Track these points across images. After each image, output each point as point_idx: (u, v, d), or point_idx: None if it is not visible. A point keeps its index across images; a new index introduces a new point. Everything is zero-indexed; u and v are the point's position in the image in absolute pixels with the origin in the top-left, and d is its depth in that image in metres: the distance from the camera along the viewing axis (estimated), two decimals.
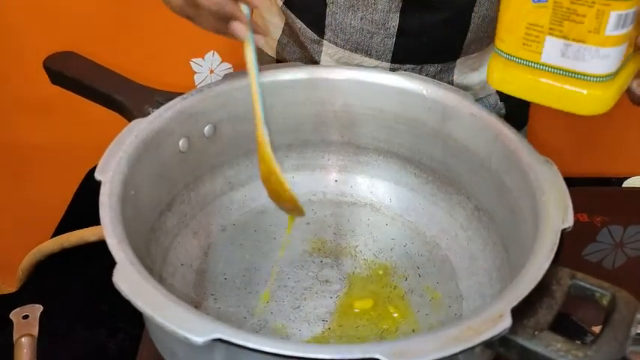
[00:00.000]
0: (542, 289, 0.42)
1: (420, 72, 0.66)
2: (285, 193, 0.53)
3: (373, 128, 0.64)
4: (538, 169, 0.51)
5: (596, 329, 0.54)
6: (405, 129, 0.62)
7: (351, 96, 0.63)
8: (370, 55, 0.66)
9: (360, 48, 0.65)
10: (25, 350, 0.56)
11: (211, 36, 0.99)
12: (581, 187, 0.83)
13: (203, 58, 1.00)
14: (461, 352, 0.37)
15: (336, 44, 0.66)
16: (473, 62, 0.69)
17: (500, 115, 0.73)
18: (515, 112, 0.75)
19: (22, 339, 0.56)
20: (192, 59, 1.00)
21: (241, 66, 1.01)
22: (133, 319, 0.46)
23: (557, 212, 0.47)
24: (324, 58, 0.68)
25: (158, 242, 0.55)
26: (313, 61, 0.69)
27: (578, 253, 0.76)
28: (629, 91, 0.47)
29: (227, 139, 0.61)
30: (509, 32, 0.46)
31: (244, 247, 0.61)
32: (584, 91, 0.45)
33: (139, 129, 0.53)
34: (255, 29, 0.52)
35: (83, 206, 0.78)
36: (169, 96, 0.58)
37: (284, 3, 0.69)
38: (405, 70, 0.65)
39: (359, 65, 0.66)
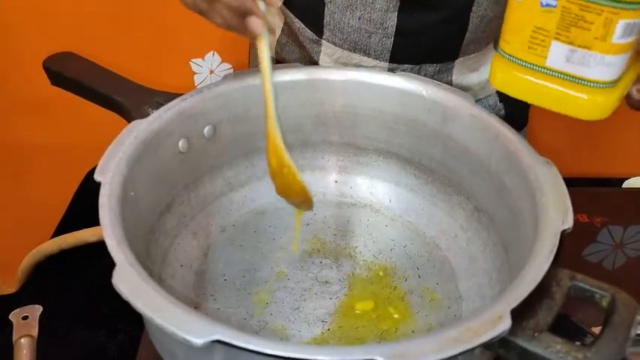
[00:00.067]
0: (541, 291, 0.42)
1: (418, 72, 0.66)
2: (297, 186, 0.53)
3: (373, 129, 0.64)
4: (538, 170, 0.51)
5: (596, 330, 0.54)
6: (405, 130, 0.62)
7: (350, 97, 0.63)
8: (368, 55, 0.65)
9: (359, 48, 0.65)
10: (24, 351, 0.56)
11: (211, 36, 1.00)
12: (581, 188, 0.83)
13: (203, 59, 1.00)
14: (460, 354, 0.37)
15: (335, 44, 0.66)
16: (472, 63, 0.69)
17: (499, 116, 0.73)
18: (515, 113, 0.75)
19: (22, 340, 0.56)
20: (192, 60, 1.00)
21: (241, 66, 1.01)
22: (132, 320, 0.46)
23: (557, 213, 0.47)
24: (322, 58, 0.68)
25: (158, 243, 0.55)
26: (312, 61, 0.69)
27: (579, 254, 0.76)
28: (628, 97, 0.47)
29: (227, 140, 0.61)
30: (514, 34, 0.46)
31: (244, 247, 0.61)
32: (587, 97, 0.45)
33: (138, 130, 0.53)
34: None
35: (83, 207, 0.77)
36: (169, 97, 0.58)
37: (283, 3, 0.70)
38: (404, 70, 0.65)
39: (358, 65, 0.66)
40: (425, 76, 0.66)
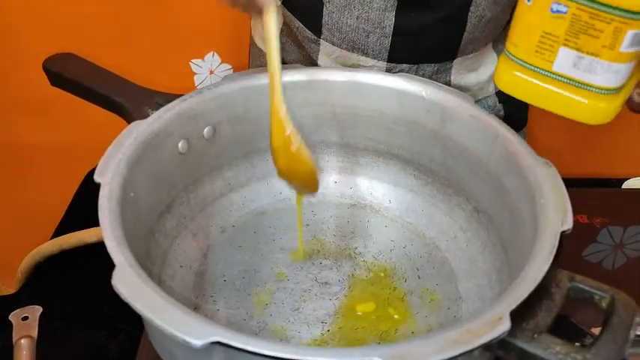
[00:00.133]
0: (541, 292, 0.42)
1: (416, 72, 0.66)
2: (304, 166, 0.50)
3: (373, 130, 0.64)
4: (537, 171, 0.51)
5: (596, 331, 0.54)
6: (405, 131, 0.62)
7: (350, 98, 0.63)
8: (367, 55, 0.66)
9: (357, 47, 0.65)
10: (24, 352, 0.56)
11: (211, 37, 1.00)
12: (581, 189, 0.83)
13: (203, 59, 1.00)
14: (460, 355, 0.37)
15: (333, 43, 0.66)
16: (470, 63, 0.69)
17: (499, 117, 0.73)
18: (514, 113, 0.75)
19: (22, 340, 0.56)
20: (192, 60, 1.00)
21: (241, 67, 1.01)
22: (132, 321, 0.46)
23: (557, 215, 0.47)
24: (321, 58, 0.68)
25: (157, 244, 0.55)
26: (311, 61, 0.69)
27: (579, 254, 0.76)
28: (629, 100, 0.47)
29: (226, 141, 0.61)
30: (522, 38, 0.47)
31: (243, 248, 0.61)
32: (591, 102, 0.46)
33: (138, 131, 0.53)
34: None
35: (82, 207, 0.78)
36: (169, 98, 0.58)
37: (282, 3, 0.69)
38: (402, 70, 0.65)
39: (356, 64, 0.66)
40: (423, 76, 0.66)
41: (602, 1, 0.41)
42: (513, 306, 0.40)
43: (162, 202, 0.57)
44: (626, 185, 0.94)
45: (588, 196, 0.85)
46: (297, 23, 0.68)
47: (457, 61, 0.67)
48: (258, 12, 0.50)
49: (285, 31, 0.72)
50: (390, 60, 0.65)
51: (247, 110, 0.61)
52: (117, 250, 0.43)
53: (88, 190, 0.70)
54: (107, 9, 0.95)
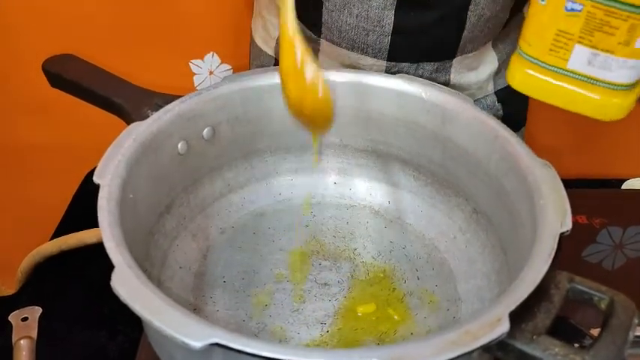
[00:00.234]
0: (540, 293, 0.42)
1: (416, 70, 0.66)
2: (316, 94, 0.47)
3: (372, 131, 0.64)
4: (537, 172, 0.51)
5: (595, 332, 0.54)
6: (404, 131, 0.62)
7: (349, 98, 0.63)
8: (366, 53, 0.66)
9: (356, 46, 0.65)
10: (23, 352, 0.56)
11: (211, 37, 1.00)
12: (581, 189, 0.83)
13: (202, 60, 1.00)
14: (459, 357, 0.37)
15: (333, 42, 0.66)
16: (470, 62, 0.69)
17: (498, 116, 0.73)
18: (513, 113, 0.75)
19: (21, 341, 0.56)
20: (192, 61, 1.00)
21: (241, 67, 1.01)
22: (132, 322, 0.46)
23: (556, 216, 0.47)
24: (321, 57, 0.68)
25: (157, 245, 0.55)
26: None
27: (579, 254, 0.76)
28: None
29: (226, 142, 0.61)
30: (536, 37, 0.47)
31: (243, 249, 0.61)
32: (605, 98, 0.46)
33: (137, 132, 0.53)
34: None
35: (82, 208, 0.78)
36: (168, 99, 0.58)
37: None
38: (401, 69, 0.65)
39: (356, 63, 0.66)
40: (422, 74, 0.67)
41: None
42: (512, 307, 0.40)
43: (161, 203, 0.57)
44: (625, 186, 0.94)
45: (588, 196, 0.85)
46: (298, 23, 0.68)
47: (457, 60, 0.67)
48: None
49: None
50: (389, 59, 0.65)
51: (247, 111, 0.61)
52: (116, 252, 0.43)
53: (88, 190, 0.70)
54: (107, 9, 0.95)
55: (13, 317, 0.59)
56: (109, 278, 0.40)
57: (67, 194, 0.81)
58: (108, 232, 0.44)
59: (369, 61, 0.66)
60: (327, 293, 0.57)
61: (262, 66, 0.76)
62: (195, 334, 0.37)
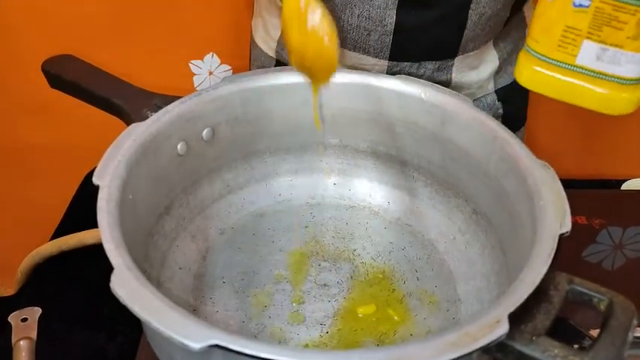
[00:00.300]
0: (539, 295, 0.42)
1: (417, 69, 0.66)
2: (320, 41, 0.45)
3: (372, 131, 0.64)
4: (536, 173, 0.51)
5: (595, 332, 0.54)
6: (404, 132, 0.62)
7: (349, 99, 0.63)
8: (368, 53, 0.66)
9: (358, 46, 0.65)
10: (23, 353, 0.56)
11: (210, 38, 1.00)
12: (580, 190, 0.83)
13: (202, 60, 1.00)
14: (458, 358, 0.37)
15: None
16: (472, 61, 0.69)
17: (498, 115, 0.73)
18: (513, 112, 0.75)
19: (21, 342, 0.56)
20: (192, 61, 1.00)
21: (241, 68, 1.01)
22: (132, 323, 0.46)
23: (555, 217, 0.47)
24: None
25: (156, 246, 0.55)
26: None
27: (579, 255, 0.76)
28: None
29: (225, 143, 0.61)
30: (544, 34, 0.47)
31: (243, 250, 0.61)
32: (615, 93, 0.47)
33: (137, 133, 0.53)
34: None
35: (82, 209, 0.78)
36: (168, 99, 0.58)
37: (282, 3, 0.69)
38: (403, 68, 0.65)
39: (357, 63, 0.66)
40: (424, 73, 0.67)
41: None
42: (512, 309, 0.40)
43: (161, 204, 0.57)
44: (625, 186, 0.94)
45: (588, 197, 0.85)
46: None
47: (458, 59, 0.67)
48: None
49: None
50: (391, 58, 0.65)
51: (246, 112, 0.61)
52: (115, 253, 0.43)
53: (87, 191, 0.70)
54: (107, 10, 0.95)
55: (13, 318, 0.59)
56: (108, 279, 0.40)
57: (66, 194, 0.81)
58: (107, 233, 0.44)
59: (370, 61, 0.66)
60: (327, 294, 0.57)
61: (263, 67, 0.76)
62: (195, 336, 0.37)
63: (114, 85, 0.62)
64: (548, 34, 0.47)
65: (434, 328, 0.55)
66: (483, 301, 0.55)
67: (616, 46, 0.45)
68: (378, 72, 0.66)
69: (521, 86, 0.72)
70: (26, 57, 0.95)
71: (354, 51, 0.66)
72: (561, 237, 0.46)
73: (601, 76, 0.46)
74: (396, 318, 0.55)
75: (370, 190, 0.67)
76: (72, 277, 0.68)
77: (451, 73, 0.68)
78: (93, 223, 0.45)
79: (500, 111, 0.74)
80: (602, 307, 0.43)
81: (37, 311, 0.60)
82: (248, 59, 0.82)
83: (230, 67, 1.02)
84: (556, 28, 0.46)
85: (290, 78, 0.61)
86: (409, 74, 0.65)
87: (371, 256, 0.61)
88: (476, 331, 0.38)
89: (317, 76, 0.51)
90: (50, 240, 0.70)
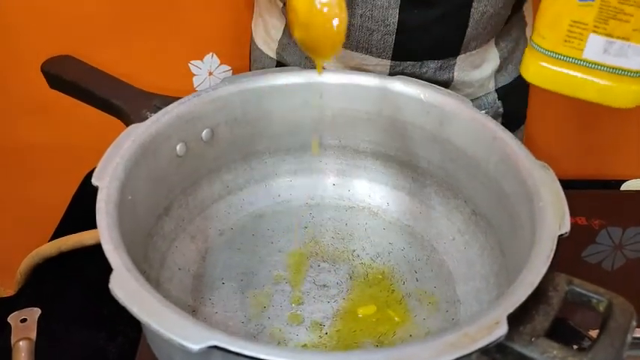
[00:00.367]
0: (538, 296, 0.42)
1: (420, 69, 0.66)
2: (325, 15, 0.43)
3: (371, 132, 0.64)
4: (535, 174, 0.51)
5: (594, 333, 0.54)
6: (403, 133, 0.62)
7: (348, 100, 0.63)
8: (371, 53, 0.66)
9: (361, 46, 0.65)
10: (22, 354, 0.56)
11: (210, 38, 1.00)
12: (580, 190, 0.83)
13: (202, 61, 1.00)
14: (457, 359, 0.37)
15: None
16: (474, 59, 0.69)
17: (498, 114, 0.73)
18: (513, 111, 0.75)
19: (20, 342, 0.56)
20: (191, 61, 1.00)
21: (240, 68, 1.01)
22: (131, 323, 0.46)
23: (554, 218, 0.47)
24: None
25: (155, 247, 0.55)
26: (313, 63, 0.69)
27: (578, 255, 0.76)
28: None
29: (225, 143, 0.61)
30: (550, 29, 0.48)
31: (242, 251, 0.61)
32: (623, 86, 0.47)
33: (136, 134, 0.53)
34: None
35: (81, 210, 0.78)
36: (167, 100, 0.58)
37: (284, 3, 0.69)
38: (406, 67, 0.65)
39: (360, 64, 0.66)
40: (427, 72, 0.67)
41: None
42: (511, 310, 0.40)
43: (160, 205, 0.56)
44: (625, 187, 0.94)
45: (587, 197, 0.85)
46: None
47: (460, 58, 0.67)
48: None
49: (288, 33, 0.72)
50: (394, 58, 0.65)
51: (246, 112, 0.61)
52: (114, 254, 0.43)
53: (87, 191, 0.70)
54: (106, 10, 0.95)
55: (12, 318, 0.59)
56: (108, 279, 0.40)
57: (66, 194, 0.81)
58: (106, 234, 0.44)
59: (373, 61, 0.66)
60: (326, 295, 0.57)
61: (263, 68, 0.76)
62: (194, 337, 0.37)
63: (113, 85, 0.62)
64: (554, 29, 0.47)
65: (433, 328, 0.55)
66: (482, 301, 0.55)
67: (623, 38, 0.45)
68: (381, 72, 0.66)
69: (520, 85, 0.72)
70: (26, 57, 0.95)
71: (357, 51, 0.66)
72: (560, 238, 0.46)
73: (608, 69, 0.47)
74: (396, 319, 0.55)
75: (369, 191, 0.67)
76: (71, 277, 0.68)
77: (453, 72, 0.68)
78: (93, 224, 0.45)
79: (501, 110, 0.74)
80: (601, 308, 0.43)
81: (37, 312, 0.60)
82: (248, 60, 0.82)
83: (230, 68, 1.02)
84: (562, 23, 0.47)
85: (290, 79, 0.62)
86: (412, 74, 0.65)
87: (370, 256, 0.61)
88: (475, 332, 0.38)
89: (321, 49, 0.49)
90: (50, 240, 0.70)
